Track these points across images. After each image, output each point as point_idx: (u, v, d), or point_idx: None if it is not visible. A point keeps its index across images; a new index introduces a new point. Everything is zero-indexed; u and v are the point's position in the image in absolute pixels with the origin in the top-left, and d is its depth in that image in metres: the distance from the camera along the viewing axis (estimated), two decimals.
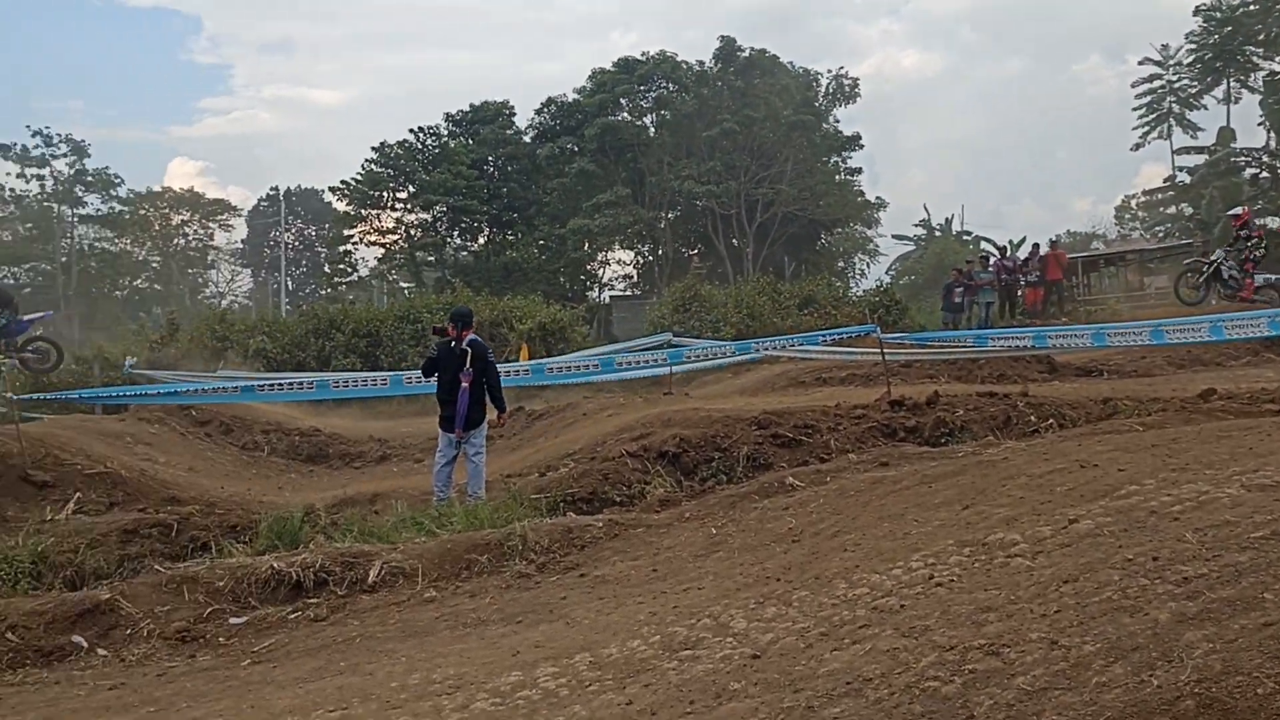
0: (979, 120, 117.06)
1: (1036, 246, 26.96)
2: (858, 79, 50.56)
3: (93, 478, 11.00)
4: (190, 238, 75.99)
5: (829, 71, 54.42)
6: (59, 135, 66.77)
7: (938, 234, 63.41)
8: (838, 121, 49.24)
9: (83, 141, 67.98)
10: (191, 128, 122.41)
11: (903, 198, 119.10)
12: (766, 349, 15.70)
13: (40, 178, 67.07)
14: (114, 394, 13.62)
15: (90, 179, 68.38)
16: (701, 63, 47.22)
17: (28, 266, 69.75)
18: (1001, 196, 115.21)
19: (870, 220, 54.55)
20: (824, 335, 16.07)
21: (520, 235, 49.01)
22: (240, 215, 79.32)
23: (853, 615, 4.42)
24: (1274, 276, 20.02)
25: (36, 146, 66.10)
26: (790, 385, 17.59)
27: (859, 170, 50.89)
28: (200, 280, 77.81)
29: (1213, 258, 20.74)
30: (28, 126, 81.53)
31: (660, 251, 48.75)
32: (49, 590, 8.10)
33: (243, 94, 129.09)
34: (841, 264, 53.71)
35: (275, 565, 7.37)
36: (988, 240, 52.26)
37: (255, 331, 25.00)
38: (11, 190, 67.41)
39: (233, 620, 6.89)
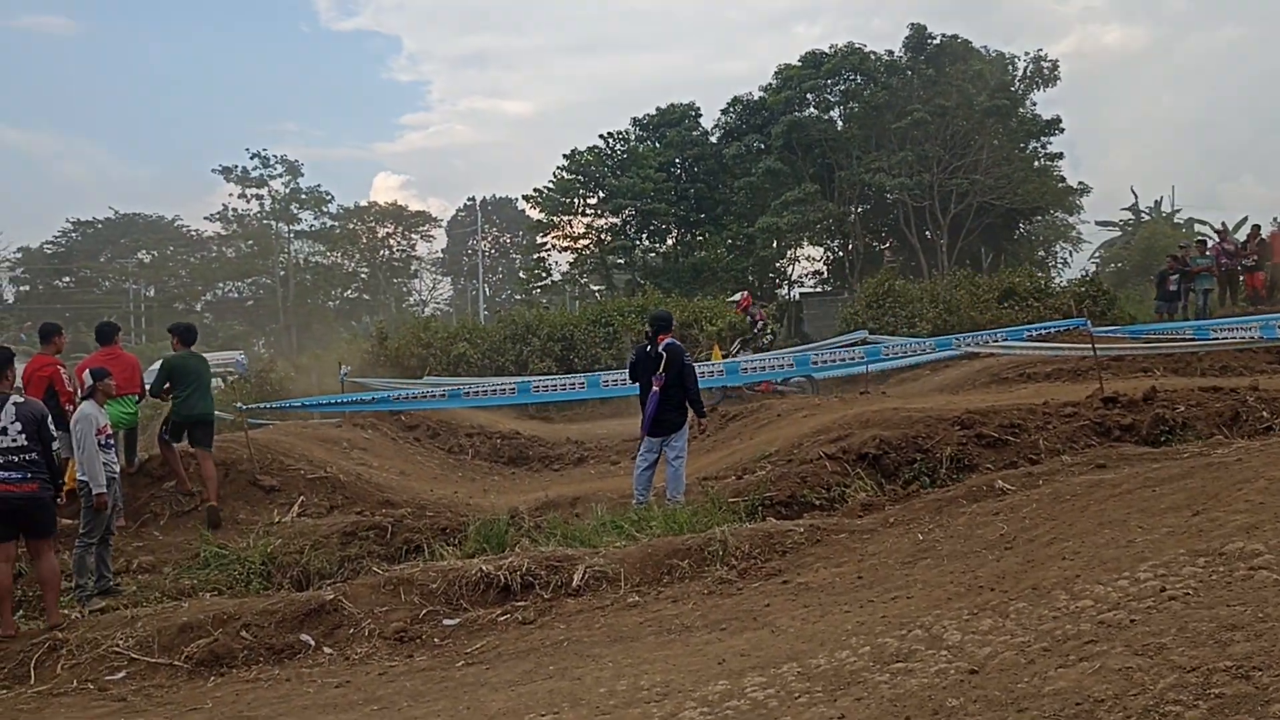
0: (1191, 94, 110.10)
1: (1257, 228, 24.95)
2: (1056, 60, 48.40)
3: (314, 482, 11.62)
4: (395, 249, 79.50)
5: (1025, 54, 52.19)
6: (275, 157, 71.08)
7: (1146, 218, 59.97)
8: (1035, 105, 47.22)
9: (296, 162, 72.19)
10: (394, 143, 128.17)
11: (1107, 182, 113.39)
12: (967, 345, 15.19)
13: (259, 197, 71.66)
14: (330, 401, 14.38)
15: (304, 197, 72.56)
16: (890, 52, 46.15)
17: (250, 281, 74.67)
18: (1218, 174, 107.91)
19: (1072, 207, 51.98)
20: (1029, 330, 15.44)
21: (708, 235, 49.06)
22: (440, 225, 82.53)
23: (1077, 629, 4.19)
24: None
25: (255, 168, 70.61)
26: (992, 382, 16.98)
27: (1059, 155, 48.56)
28: (405, 289, 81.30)
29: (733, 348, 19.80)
30: (247, 150, 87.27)
31: (850, 246, 47.90)
32: (278, 590, 8.62)
33: (440, 108, 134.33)
34: (1042, 253, 51.44)
35: (484, 568, 7.59)
36: (1202, 222, 49.06)
37: (456, 338, 25.93)
38: (234, 210, 72.31)
39: (446, 622, 7.14)
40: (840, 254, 49.66)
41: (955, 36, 46.51)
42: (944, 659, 4.35)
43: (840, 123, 46.88)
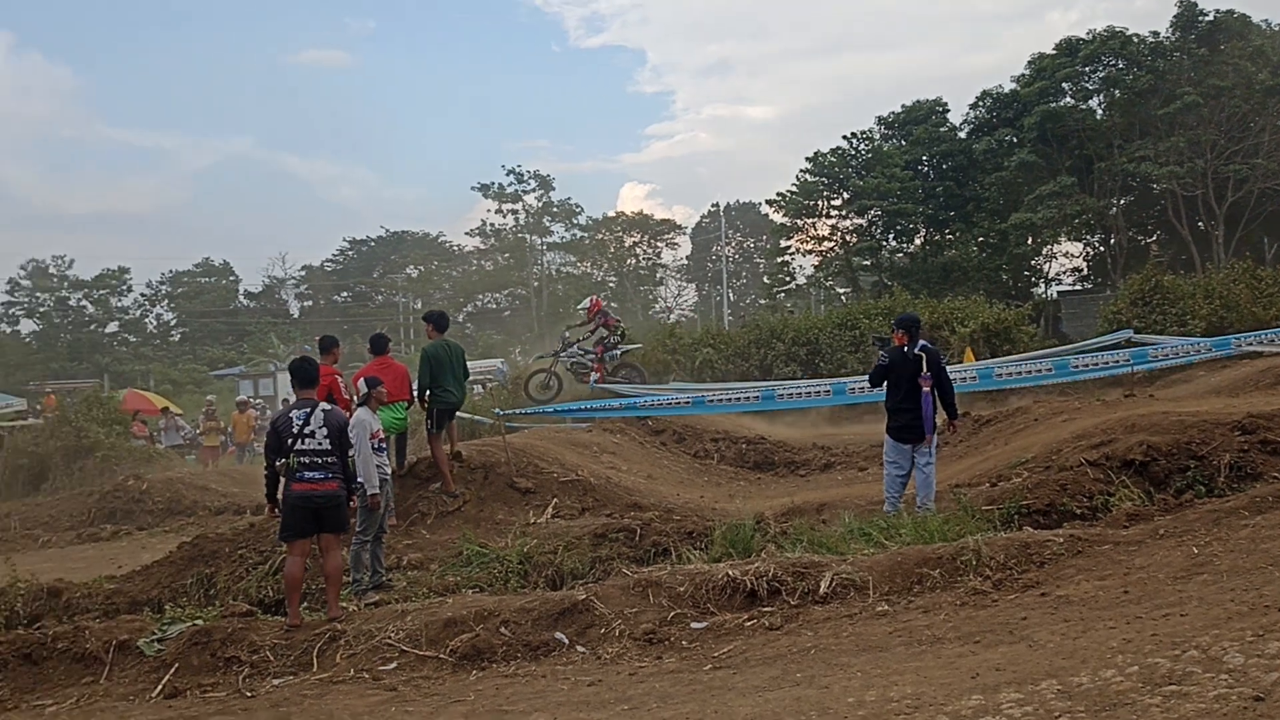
0: None
1: None
2: None
3: (567, 485, 12.02)
4: (641, 257, 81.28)
5: None
6: (529, 173, 74.30)
7: None
8: None
9: (548, 176, 75.20)
10: (639, 154, 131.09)
11: None
12: (1249, 344, 14.01)
13: (514, 212, 75.07)
14: (581, 407, 14.84)
15: (555, 210, 75.48)
16: (1155, 34, 43.23)
17: (506, 292, 78.22)
18: None
19: None
20: None
21: (958, 234, 47.56)
22: (684, 233, 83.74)
23: None
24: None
25: (510, 184, 74.02)
26: (1277, 383, 15.59)
27: None
28: (651, 296, 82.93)
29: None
30: (503, 166, 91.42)
31: (1112, 241, 45.19)
32: (534, 588, 8.97)
33: (684, 117, 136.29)
34: None
35: (730, 573, 7.63)
36: None
37: (701, 344, 26.21)
38: (492, 225, 76.04)
39: (694, 625, 7.22)
40: (1101, 249, 46.96)
41: (1231, 12, 43.06)
42: (1224, 683, 4.04)
43: (1100, 111, 44.31)
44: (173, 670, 7.18)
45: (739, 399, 12.60)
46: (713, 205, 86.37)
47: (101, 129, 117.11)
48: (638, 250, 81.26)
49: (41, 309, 74.11)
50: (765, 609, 7.27)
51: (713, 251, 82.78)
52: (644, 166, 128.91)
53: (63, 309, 74.50)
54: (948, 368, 10.86)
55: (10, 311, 73.93)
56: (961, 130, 48.44)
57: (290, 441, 7.97)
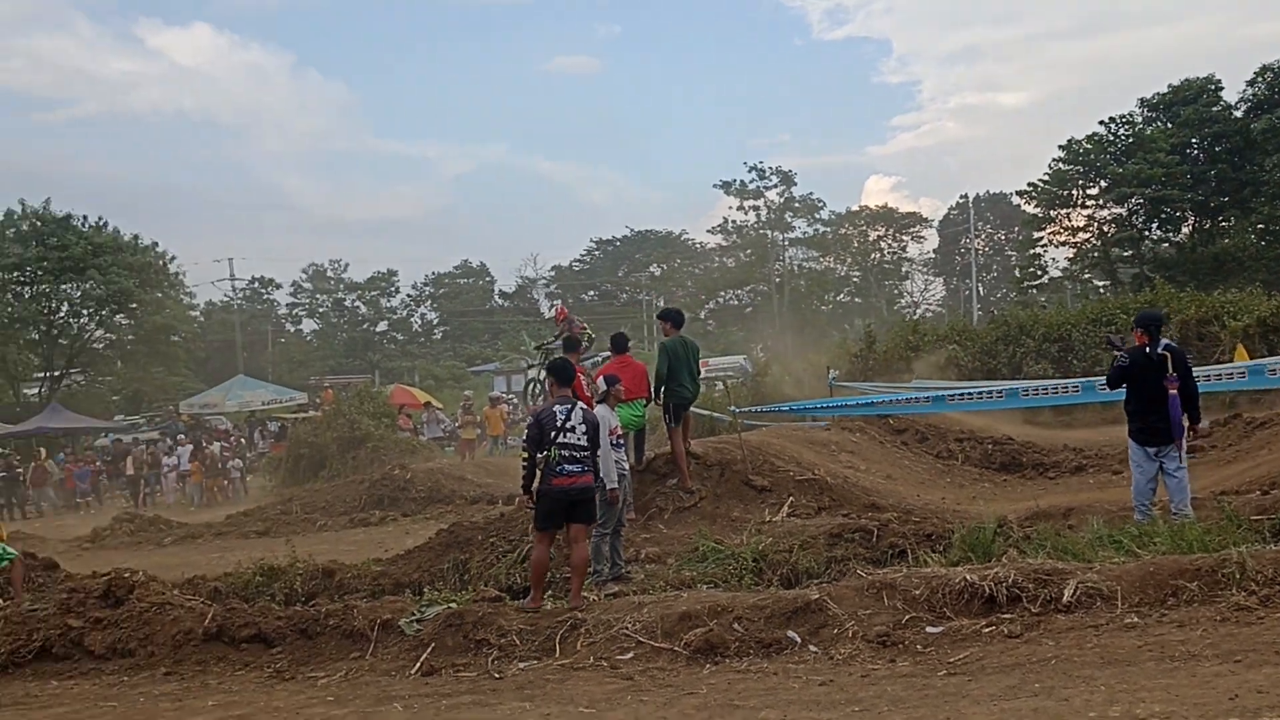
0: None
1: None
2: None
3: (803, 483, 12.00)
4: (886, 252, 79.67)
5: None
6: (770, 169, 74.26)
7: None
8: None
9: (790, 171, 74.93)
10: (884, 146, 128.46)
11: None
12: None
13: (756, 208, 75.20)
14: (818, 405, 14.77)
15: (797, 205, 75.12)
16: None
17: (748, 288, 78.49)
18: None
19: None
20: None
21: (1233, 221, 44.07)
22: (931, 226, 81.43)
23: None
24: None
25: (752, 180, 74.22)
26: None
27: None
28: (896, 291, 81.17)
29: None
30: (745, 163, 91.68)
31: None
32: (767, 586, 9.02)
33: (930, 107, 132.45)
34: None
35: (968, 577, 7.44)
36: None
37: (946, 340, 25.47)
38: (733, 222, 76.43)
39: (929, 629, 7.09)
40: None
41: None
42: None
43: None
44: (429, 649, 7.68)
45: (981, 397, 12.19)
46: (961, 197, 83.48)
47: (371, 140, 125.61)
48: (882, 244, 79.67)
49: (321, 309, 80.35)
50: (1004, 616, 7.05)
51: (961, 244, 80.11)
52: (889, 159, 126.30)
53: (339, 309, 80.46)
54: (1209, 367, 10.16)
55: (294, 312, 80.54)
56: (1237, 109, 44.81)
57: (552, 435, 8.41)
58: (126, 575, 9.17)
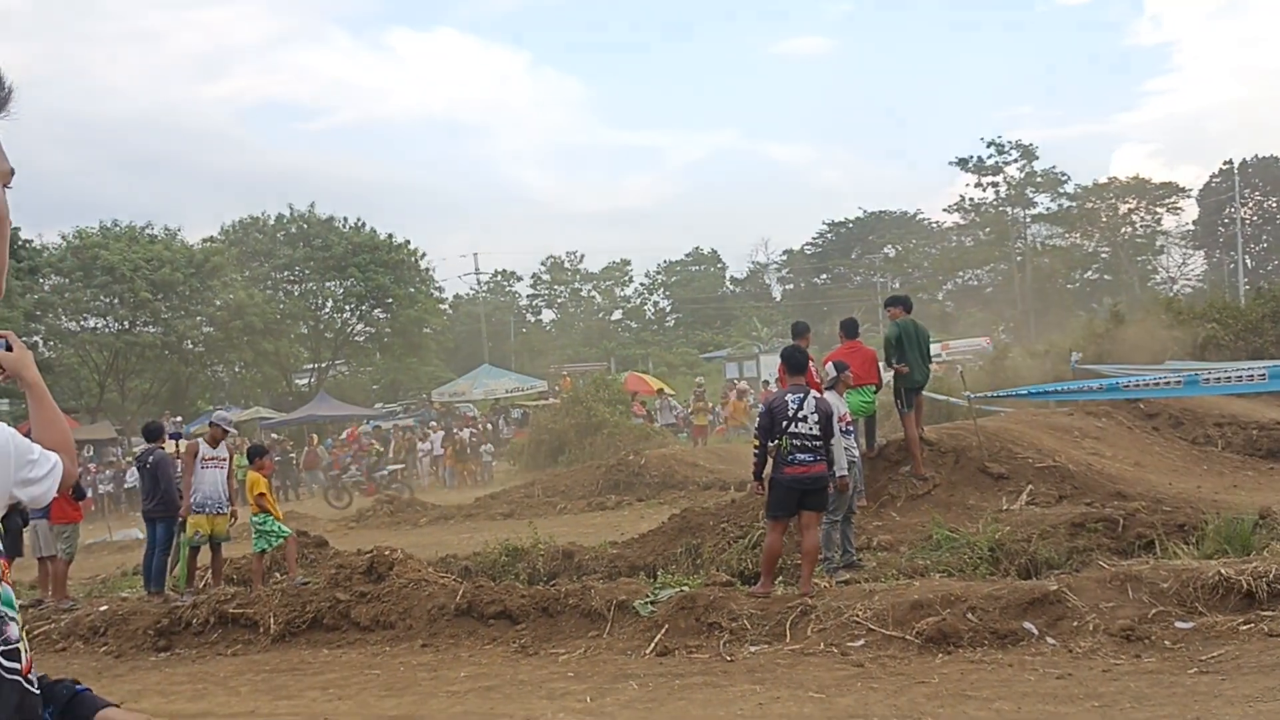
0: None
1: None
2: None
3: (1043, 470, 11.57)
4: (1138, 225, 74.96)
5: None
6: (1009, 143, 71.09)
7: None
8: None
9: (1031, 145, 71.42)
10: (1136, 112, 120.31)
11: None
12: None
13: (995, 185, 72.23)
14: (1059, 389, 14.15)
15: (1039, 179, 71.62)
16: None
17: (987, 268, 75.66)
18: None
19: None
20: None
21: None
22: (1189, 196, 75.80)
23: None
24: None
25: (990, 156, 71.28)
26: None
27: None
28: (1149, 267, 76.26)
29: None
30: (981, 138, 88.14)
31: None
32: (1003, 576, 8.81)
33: (1189, 68, 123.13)
34: None
35: (1224, 571, 7.06)
36: None
37: (1204, 319, 23.77)
38: (971, 200, 73.76)
39: (1179, 624, 6.78)
40: None
41: None
42: None
43: None
44: (663, 631, 7.94)
45: (1242, 378, 11.33)
46: (1225, 163, 77.05)
47: (604, 132, 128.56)
48: (1134, 218, 74.94)
49: (559, 300, 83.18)
50: (1264, 613, 6.66)
51: (1225, 214, 74.29)
52: (1142, 126, 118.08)
53: (575, 299, 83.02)
54: None
55: (533, 303, 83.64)
56: None
57: (784, 424, 8.52)
58: (387, 553, 9.90)
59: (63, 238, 43.40)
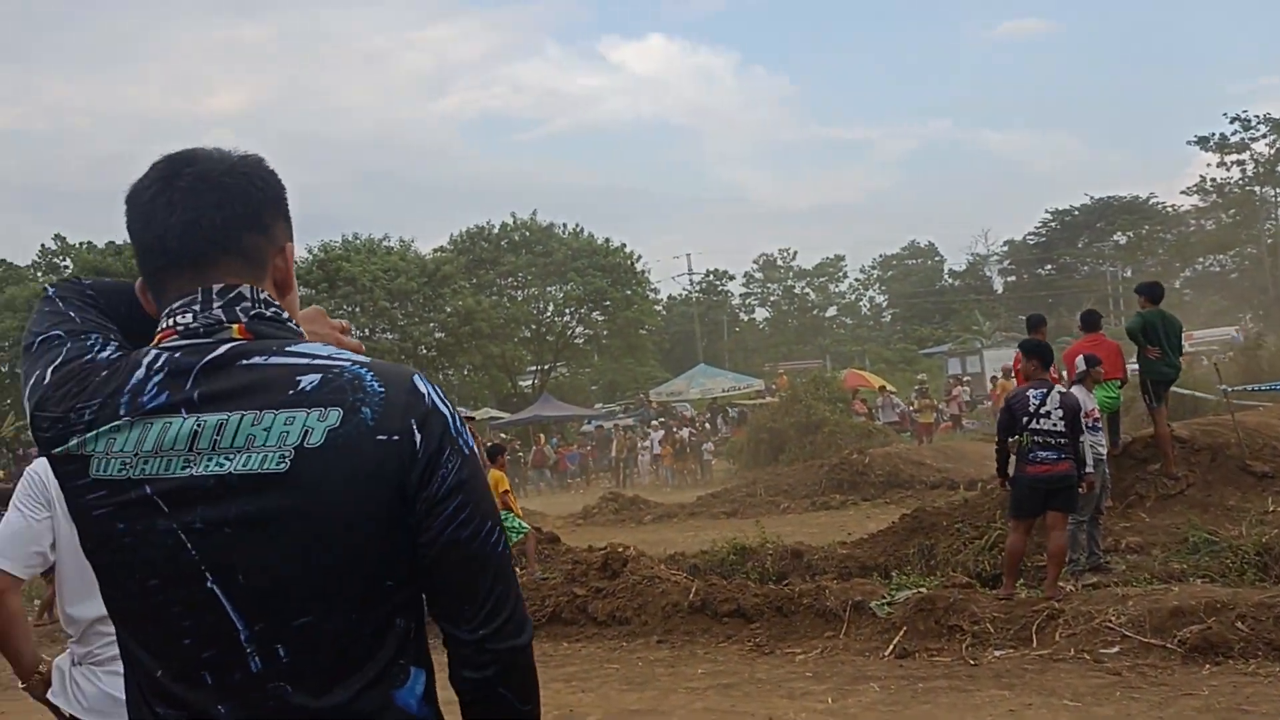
0: None
1: None
2: None
3: None
4: None
5: None
6: (1256, 117, 65.95)
7: None
8: None
9: None
10: None
11: None
12: None
13: (1240, 163, 67.18)
14: None
15: None
16: None
17: (1232, 252, 70.44)
18: None
19: None
20: None
21: None
22: None
23: None
24: None
25: (1234, 133, 66.36)
26: None
27: None
28: None
29: None
30: (1224, 114, 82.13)
31: None
32: (1275, 582, 8.20)
33: None
34: None
35: None
36: None
37: None
38: (1212, 180, 68.86)
39: None
40: None
41: None
42: None
43: None
44: (901, 633, 7.79)
45: None
46: None
47: (815, 128, 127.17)
48: None
49: (772, 298, 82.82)
50: None
51: None
52: None
53: (789, 297, 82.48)
54: None
55: (746, 301, 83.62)
56: None
57: (1025, 420, 8.23)
58: (620, 550, 10.13)
59: (309, 251, 46.50)
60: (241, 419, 1.43)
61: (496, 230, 54.43)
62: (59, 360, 1.57)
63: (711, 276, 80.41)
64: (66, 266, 52.33)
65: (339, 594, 1.45)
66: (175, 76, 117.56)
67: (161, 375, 1.47)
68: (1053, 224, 79.95)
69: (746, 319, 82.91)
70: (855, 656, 7.69)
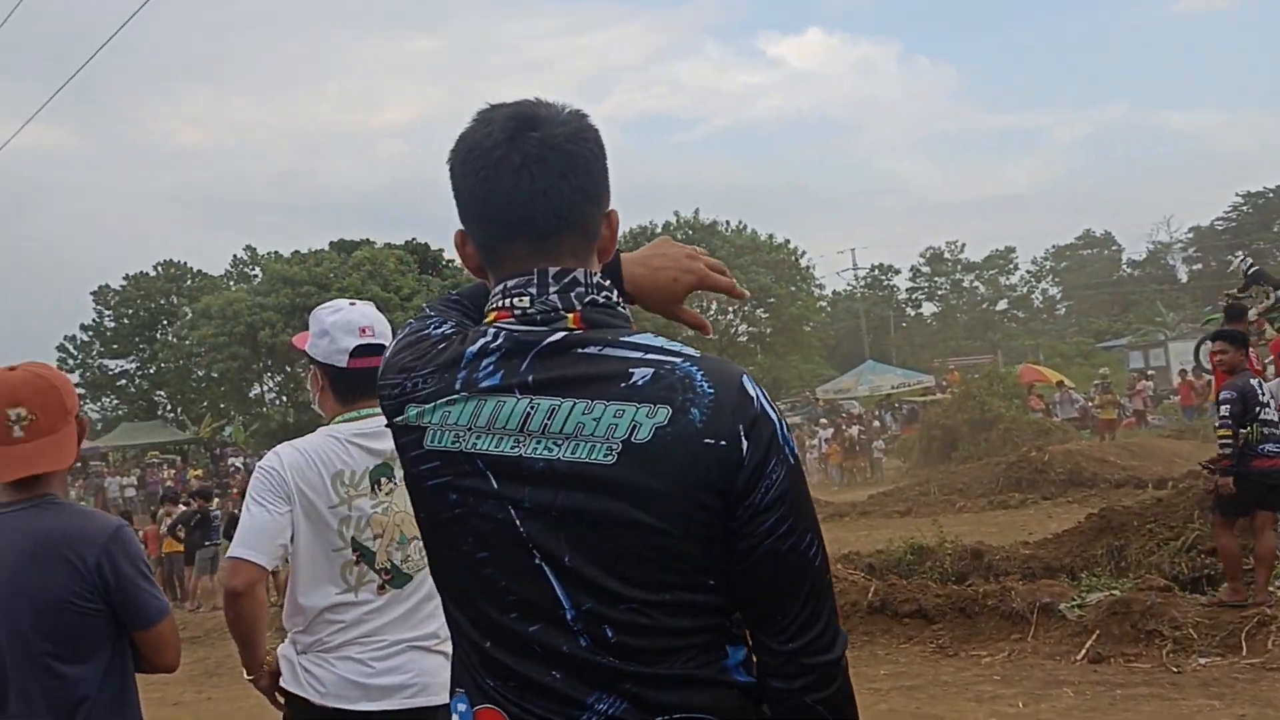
0: None
1: None
2: None
3: None
4: None
5: None
6: None
7: None
8: None
9: None
10: None
11: None
12: None
13: None
14: None
15: None
16: None
17: None
18: None
19: None
20: None
21: None
22: None
23: None
24: None
25: None
26: None
27: None
28: None
29: None
30: None
31: None
32: None
33: None
34: None
35: None
36: None
37: None
38: None
39: None
40: None
41: None
42: None
43: None
44: (1094, 636, 7.47)
45: None
46: None
47: (981, 117, 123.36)
48: None
49: (940, 292, 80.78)
50: None
51: None
52: None
53: (957, 290, 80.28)
54: None
55: (913, 296, 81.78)
56: None
57: (1255, 410, 7.83)
58: None
59: None
60: (573, 407, 1.45)
61: (660, 230, 54.84)
62: (400, 335, 1.66)
63: (877, 271, 79.08)
64: (255, 275, 55.38)
65: (660, 585, 1.45)
66: (350, 92, 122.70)
67: (497, 355, 1.50)
68: (1244, 208, 75.44)
69: (913, 314, 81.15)
70: (1045, 660, 7.42)
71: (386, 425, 1.62)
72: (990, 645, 7.90)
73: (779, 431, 1.48)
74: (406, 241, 51.44)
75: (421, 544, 3.11)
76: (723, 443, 1.43)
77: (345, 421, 3.11)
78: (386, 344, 3.12)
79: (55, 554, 2.55)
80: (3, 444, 2.55)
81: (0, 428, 2.55)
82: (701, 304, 53.35)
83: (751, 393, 1.48)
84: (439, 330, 1.61)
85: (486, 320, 1.56)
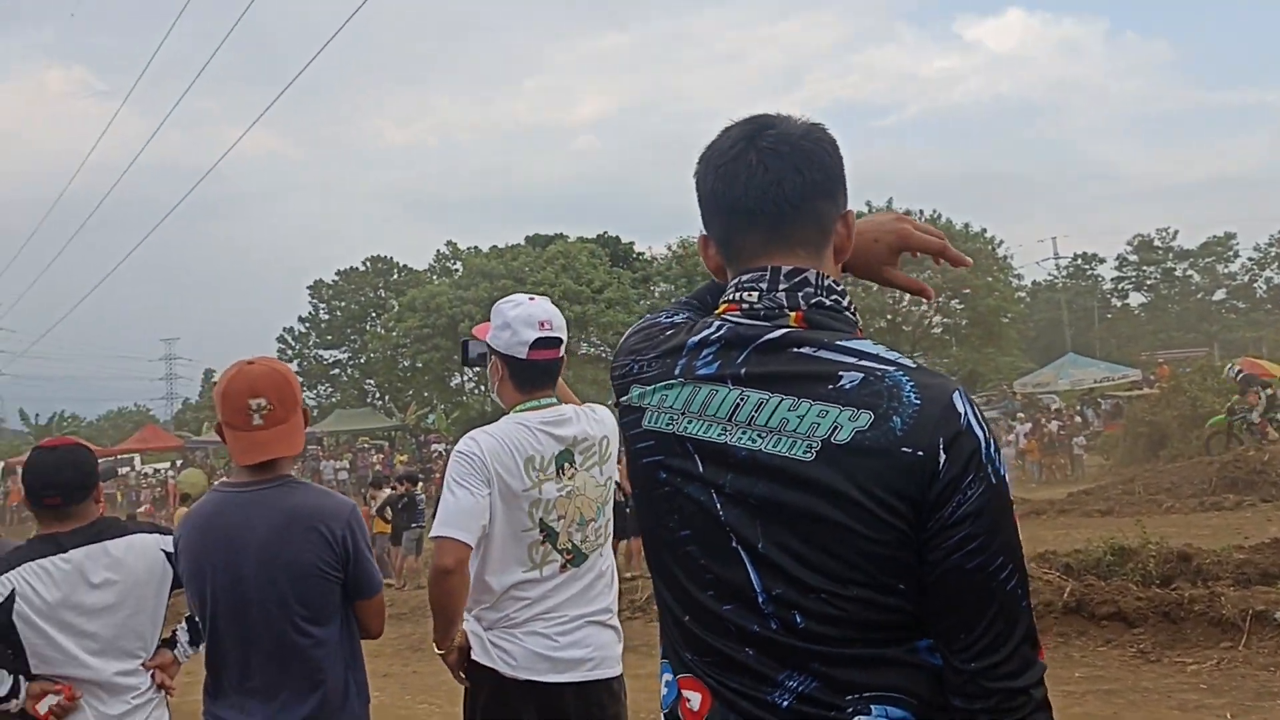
0: None
1: None
2: None
3: None
4: None
5: None
6: None
7: None
8: None
9: None
10: None
11: None
12: None
13: None
14: None
15: None
16: None
17: None
18: None
19: None
20: None
21: None
22: None
23: None
24: None
25: None
26: None
27: None
28: None
29: None
30: None
31: None
32: None
33: None
34: None
35: None
36: None
37: None
38: None
39: None
40: None
41: None
42: None
43: None
44: None
45: None
46: None
47: (1199, 94, 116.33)
48: None
49: (1149, 281, 76.52)
50: None
51: None
52: None
53: (1169, 280, 75.88)
54: None
55: (1119, 286, 77.79)
56: None
57: None
58: None
59: (668, 248, 48.32)
60: (780, 402, 1.52)
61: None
62: (636, 323, 1.80)
63: (1080, 260, 75.61)
64: (457, 269, 57.53)
65: (848, 580, 1.49)
66: (546, 89, 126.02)
67: (718, 346, 1.60)
68: None
69: (1119, 305, 77.18)
70: (1258, 670, 7.04)
71: (613, 405, 1.75)
72: (1197, 652, 7.55)
73: (983, 450, 1.49)
74: (598, 235, 52.45)
75: (597, 526, 3.30)
76: (920, 453, 1.45)
77: (528, 410, 3.27)
78: (563, 337, 3.31)
79: (308, 526, 2.85)
80: (245, 430, 2.85)
81: (243, 416, 2.85)
82: (891, 299, 52.40)
83: (960, 409, 1.49)
84: (669, 319, 1.74)
85: (717, 311, 1.65)
